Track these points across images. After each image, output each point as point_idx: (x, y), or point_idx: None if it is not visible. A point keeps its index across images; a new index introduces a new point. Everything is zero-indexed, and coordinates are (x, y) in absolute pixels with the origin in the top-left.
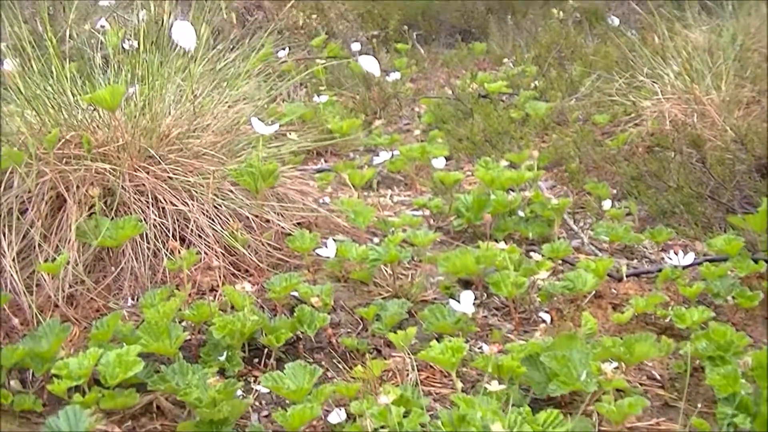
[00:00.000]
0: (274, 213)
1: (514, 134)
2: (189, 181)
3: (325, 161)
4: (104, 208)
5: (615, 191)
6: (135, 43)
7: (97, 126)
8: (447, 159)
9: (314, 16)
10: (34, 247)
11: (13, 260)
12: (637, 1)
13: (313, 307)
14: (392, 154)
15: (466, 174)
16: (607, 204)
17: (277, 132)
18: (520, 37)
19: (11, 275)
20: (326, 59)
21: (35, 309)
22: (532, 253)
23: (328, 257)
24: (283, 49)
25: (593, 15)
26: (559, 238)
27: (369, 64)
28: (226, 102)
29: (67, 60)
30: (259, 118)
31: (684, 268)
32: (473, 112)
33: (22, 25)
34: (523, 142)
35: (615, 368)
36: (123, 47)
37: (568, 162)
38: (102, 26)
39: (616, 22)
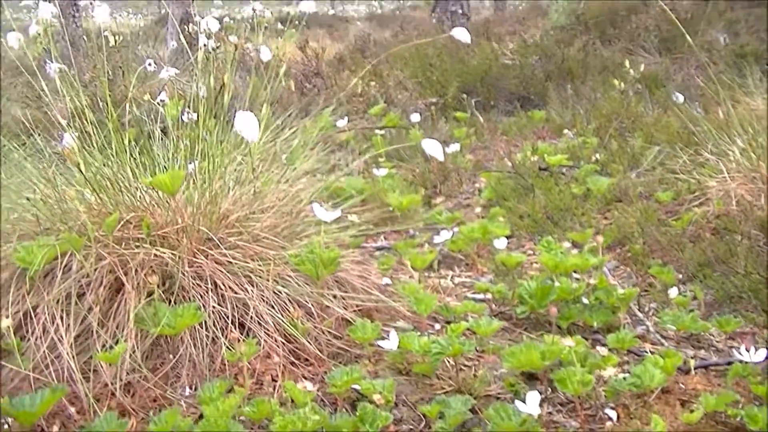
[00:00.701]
0: (334, 299)
1: (575, 211)
2: (249, 266)
3: (385, 238)
4: (162, 294)
5: (680, 275)
6: (194, 115)
7: (156, 204)
8: (508, 237)
9: (373, 83)
10: (92, 333)
11: (71, 346)
12: (695, 67)
13: (374, 404)
14: (453, 232)
15: (527, 253)
16: (673, 292)
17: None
18: (579, 105)
19: (68, 362)
20: (385, 129)
21: (92, 398)
22: (597, 346)
23: (390, 349)
24: (342, 118)
25: (653, 82)
26: (623, 325)
27: (433, 149)
28: (287, 181)
29: (127, 136)
30: (319, 196)
31: (755, 364)
32: (534, 186)
33: (81, 92)
34: (584, 219)
35: None
36: (182, 119)
37: (631, 243)
38: (162, 100)
39: (680, 98)
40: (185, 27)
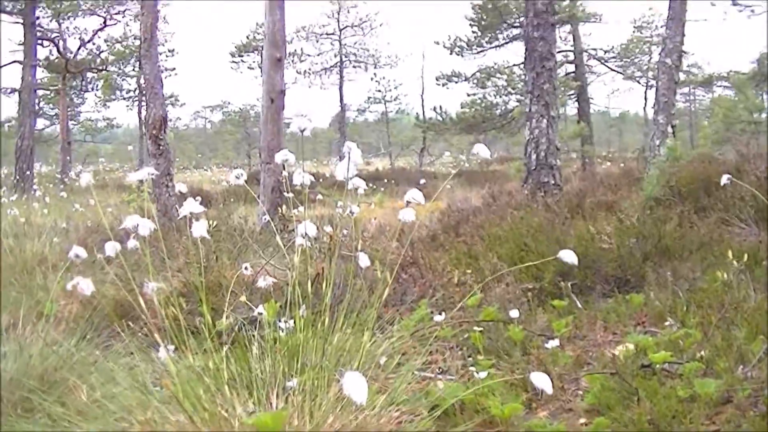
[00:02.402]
0: None
1: (683, 419)
2: None
3: None
4: None
5: None
6: (291, 323)
7: None
8: None
9: (469, 272)
10: None
11: None
12: None
13: None
14: None
15: None
16: None
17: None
18: (678, 286)
19: None
20: (482, 322)
21: None
22: None
23: None
24: (438, 312)
25: (752, 258)
26: None
27: (542, 383)
28: (390, 404)
29: (225, 356)
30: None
31: None
32: (637, 390)
33: (172, 278)
34: (692, 426)
35: None
36: (279, 326)
37: None
38: (260, 312)
39: None
40: (277, 198)
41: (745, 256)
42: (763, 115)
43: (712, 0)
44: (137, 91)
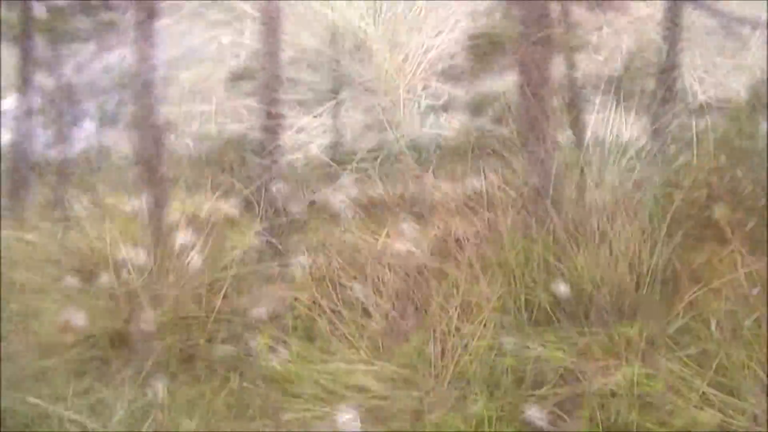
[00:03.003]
0: None
1: None
2: None
3: None
4: None
5: None
6: (286, 352)
7: None
8: None
9: (463, 300)
10: None
11: None
12: None
13: None
14: None
15: None
16: None
17: None
18: (674, 315)
19: None
20: (476, 352)
21: None
22: None
23: None
24: (434, 342)
25: (750, 287)
26: None
27: (535, 415)
28: None
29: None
30: None
31: None
32: (633, 420)
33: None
34: None
35: None
36: (274, 355)
37: None
38: (254, 342)
39: None
40: (272, 225)
41: (743, 284)
42: (760, 143)
43: (707, 31)
44: (133, 118)
